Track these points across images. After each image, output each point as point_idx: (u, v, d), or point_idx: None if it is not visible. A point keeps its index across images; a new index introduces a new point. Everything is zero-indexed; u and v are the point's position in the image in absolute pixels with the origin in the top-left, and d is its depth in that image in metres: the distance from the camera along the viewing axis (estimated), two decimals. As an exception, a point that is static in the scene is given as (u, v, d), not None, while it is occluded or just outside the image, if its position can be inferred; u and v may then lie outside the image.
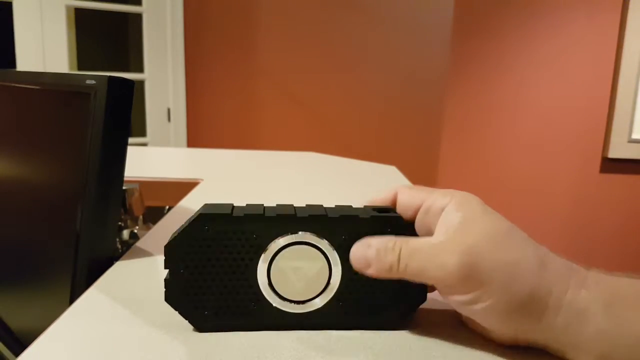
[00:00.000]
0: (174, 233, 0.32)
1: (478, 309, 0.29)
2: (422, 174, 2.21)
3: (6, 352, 0.51)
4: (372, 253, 0.31)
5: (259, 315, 0.33)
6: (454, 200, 0.31)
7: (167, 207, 0.84)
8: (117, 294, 0.38)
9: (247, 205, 0.34)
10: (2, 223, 0.57)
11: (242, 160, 1.19)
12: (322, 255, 0.32)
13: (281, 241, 0.32)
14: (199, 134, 2.36)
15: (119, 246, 0.68)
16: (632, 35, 2.01)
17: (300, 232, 0.32)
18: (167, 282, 0.32)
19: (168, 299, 0.32)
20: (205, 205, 0.33)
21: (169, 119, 2.30)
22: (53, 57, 2.06)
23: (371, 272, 0.31)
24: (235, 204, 0.34)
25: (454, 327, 0.34)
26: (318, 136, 2.29)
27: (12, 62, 2.00)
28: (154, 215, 0.73)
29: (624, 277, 0.29)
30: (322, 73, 2.26)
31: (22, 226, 0.53)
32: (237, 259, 0.32)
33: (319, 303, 0.33)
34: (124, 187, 0.67)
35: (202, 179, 0.87)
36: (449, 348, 0.31)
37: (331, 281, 0.33)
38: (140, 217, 0.73)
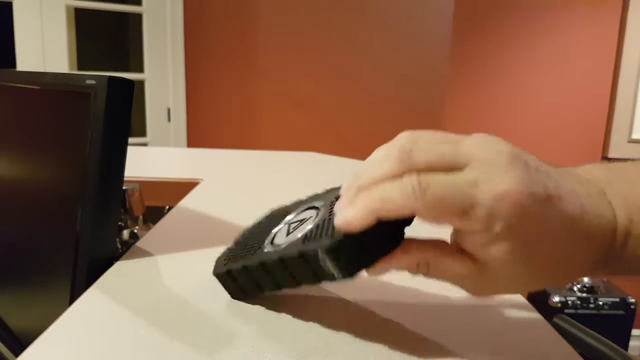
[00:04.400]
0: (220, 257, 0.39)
1: (503, 249, 0.26)
2: (422, 174, 2.20)
3: (6, 352, 0.51)
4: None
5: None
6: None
7: (167, 207, 0.84)
8: (117, 294, 0.38)
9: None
10: (2, 223, 0.57)
11: (242, 160, 1.19)
12: None
13: None
14: (199, 134, 2.36)
15: (119, 246, 0.68)
16: (632, 35, 2.01)
17: None
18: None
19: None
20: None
21: (169, 119, 2.30)
22: (53, 57, 2.06)
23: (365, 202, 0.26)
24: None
25: (460, 335, 0.34)
26: (318, 136, 2.29)
27: (12, 62, 1.99)
28: (154, 215, 0.73)
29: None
30: (322, 72, 2.26)
31: (22, 226, 0.53)
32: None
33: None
34: (124, 187, 0.67)
35: (202, 179, 0.87)
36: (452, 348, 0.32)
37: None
38: (140, 217, 0.73)
